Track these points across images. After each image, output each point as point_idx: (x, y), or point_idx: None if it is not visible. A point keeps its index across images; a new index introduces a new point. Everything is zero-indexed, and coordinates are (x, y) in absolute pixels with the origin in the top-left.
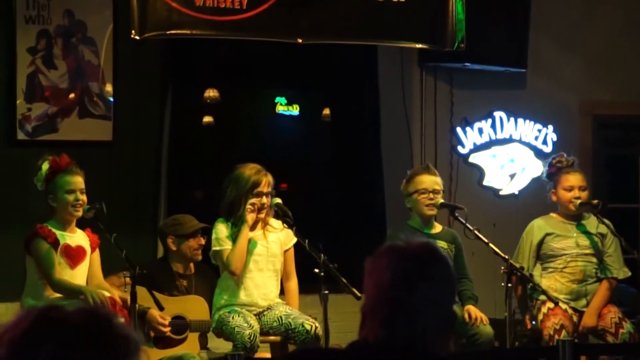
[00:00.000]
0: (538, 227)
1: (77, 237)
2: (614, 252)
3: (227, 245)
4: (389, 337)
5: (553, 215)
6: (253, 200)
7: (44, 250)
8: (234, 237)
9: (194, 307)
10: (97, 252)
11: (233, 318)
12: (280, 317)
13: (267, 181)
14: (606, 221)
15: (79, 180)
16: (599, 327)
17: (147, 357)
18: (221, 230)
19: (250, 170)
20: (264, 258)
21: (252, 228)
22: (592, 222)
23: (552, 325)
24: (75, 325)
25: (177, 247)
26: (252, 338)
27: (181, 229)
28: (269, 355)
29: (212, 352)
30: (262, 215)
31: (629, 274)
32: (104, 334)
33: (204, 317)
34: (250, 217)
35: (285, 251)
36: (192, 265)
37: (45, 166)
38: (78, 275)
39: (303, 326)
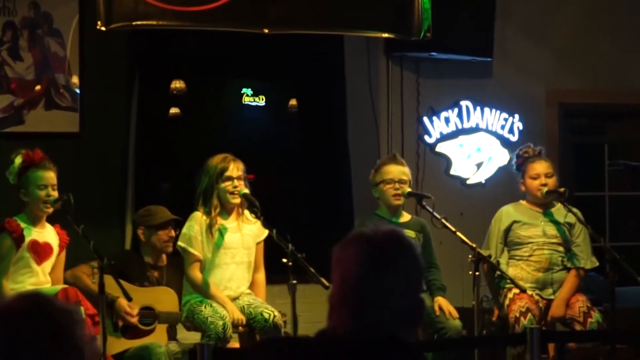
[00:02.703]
0: (507, 213)
1: (46, 233)
2: (582, 241)
3: (193, 248)
4: (357, 328)
5: (522, 202)
6: (226, 184)
7: (3, 250)
8: (205, 230)
9: (163, 298)
10: (63, 253)
11: (205, 307)
12: (243, 307)
13: (235, 166)
14: (574, 210)
15: (51, 176)
16: (567, 316)
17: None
18: (193, 226)
19: (217, 158)
20: (239, 251)
21: (228, 217)
22: (560, 211)
23: (517, 309)
24: (20, 312)
25: (147, 238)
26: (225, 328)
27: (151, 219)
28: (237, 345)
29: (182, 343)
30: (236, 201)
31: (597, 264)
32: (47, 314)
33: (173, 308)
34: (233, 200)
35: (257, 243)
36: (164, 256)
37: (18, 160)
38: (43, 272)
39: (262, 315)
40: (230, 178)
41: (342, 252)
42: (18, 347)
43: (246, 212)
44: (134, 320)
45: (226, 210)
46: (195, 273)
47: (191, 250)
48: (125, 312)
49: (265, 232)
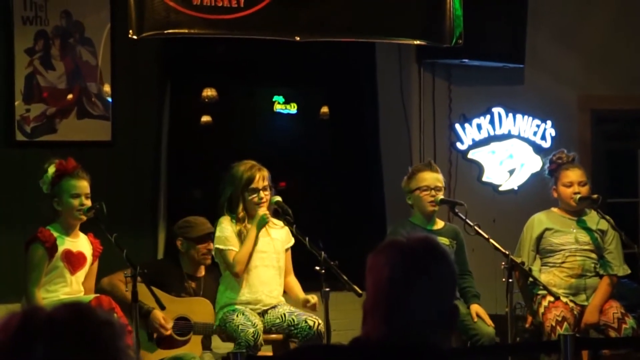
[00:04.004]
0: (538, 221)
1: (79, 243)
2: (615, 248)
3: (231, 245)
4: (389, 334)
5: (554, 210)
6: (252, 196)
7: (36, 259)
8: (237, 234)
9: (199, 309)
10: (96, 262)
11: (237, 316)
12: (284, 315)
13: (261, 176)
14: (607, 217)
15: (84, 185)
16: (601, 322)
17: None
18: (226, 228)
19: (243, 166)
20: (269, 254)
21: (254, 222)
22: (593, 218)
23: (553, 318)
24: (62, 322)
25: (185, 250)
26: (255, 336)
27: (190, 232)
28: (270, 353)
29: (215, 353)
30: (263, 210)
31: (629, 271)
32: (89, 324)
33: (209, 319)
34: (261, 211)
35: (285, 250)
36: (202, 267)
37: (51, 169)
38: (76, 282)
39: (306, 322)
40: (256, 190)
41: (375, 259)
42: (59, 356)
43: (271, 217)
44: (168, 333)
45: (251, 218)
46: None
47: (230, 247)
48: (160, 325)
49: (292, 240)
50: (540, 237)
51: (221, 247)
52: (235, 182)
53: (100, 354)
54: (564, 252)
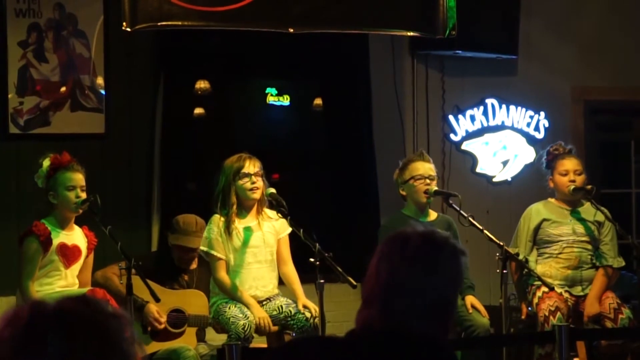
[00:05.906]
0: (536, 211)
1: (74, 236)
2: (610, 240)
3: (215, 251)
4: (387, 325)
5: (551, 200)
6: (244, 181)
7: (30, 253)
8: (224, 230)
9: (193, 301)
10: (92, 255)
11: (230, 308)
12: (281, 306)
13: (251, 163)
14: (603, 209)
15: (79, 178)
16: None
17: (141, 349)
18: (212, 229)
19: (233, 158)
20: (261, 249)
21: (247, 215)
22: (589, 209)
23: (546, 307)
24: (72, 314)
25: (173, 246)
26: (246, 329)
27: (179, 239)
28: (265, 345)
29: (210, 345)
30: (256, 196)
31: (623, 263)
32: (98, 316)
33: (203, 311)
34: (253, 195)
35: (279, 239)
36: (195, 260)
37: (46, 163)
38: (71, 275)
39: (303, 314)
40: (247, 175)
41: (379, 249)
42: (72, 348)
43: (266, 209)
44: (162, 327)
45: (245, 209)
46: (221, 274)
47: (213, 252)
48: (154, 318)
49: (288, 229)
50: (537, 228)
51: (205, 249)
52: (226, 173)
53: (110, 345)
54: (561, 243)
